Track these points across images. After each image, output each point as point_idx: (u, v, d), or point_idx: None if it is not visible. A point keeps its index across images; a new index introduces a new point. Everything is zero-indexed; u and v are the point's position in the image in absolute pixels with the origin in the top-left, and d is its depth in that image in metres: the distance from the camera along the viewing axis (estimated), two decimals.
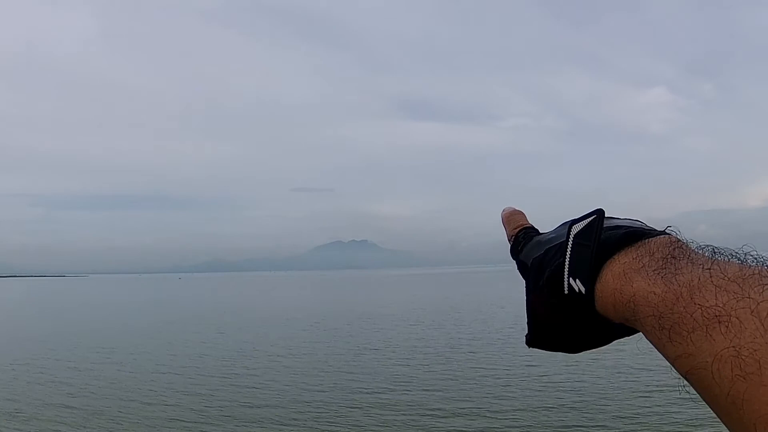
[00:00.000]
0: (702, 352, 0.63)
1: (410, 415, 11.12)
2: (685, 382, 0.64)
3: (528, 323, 0.69)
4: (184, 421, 11.49)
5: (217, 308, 45.79)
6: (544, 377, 13.29)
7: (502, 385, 12.96)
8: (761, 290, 0.62)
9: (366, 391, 13.37)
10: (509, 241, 0.74)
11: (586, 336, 0.68)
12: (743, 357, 0.62)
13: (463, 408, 11.43)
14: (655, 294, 0.64)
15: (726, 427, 0.63)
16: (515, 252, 0.72)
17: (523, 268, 0.70)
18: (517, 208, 0.76)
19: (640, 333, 0.67)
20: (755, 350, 0.62)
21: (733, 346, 0.62)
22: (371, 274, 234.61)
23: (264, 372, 16.34)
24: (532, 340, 0.69)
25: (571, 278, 0.67)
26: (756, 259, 0.65)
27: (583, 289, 0.67)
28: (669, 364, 0.65)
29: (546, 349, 0.69)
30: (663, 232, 0.67)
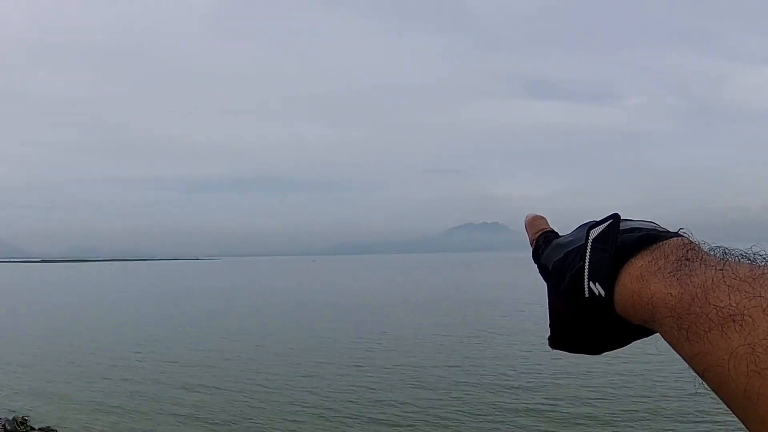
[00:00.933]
0: (718, 350, 0.69)
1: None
2: (701, 380, 0.70)
3: (550, 325, 0.76)
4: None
5: (369, 292, 48.01)
6: None
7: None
8: None
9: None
10: (531, 245, 0.81)
11: (606, 337, 0.75)
12: (758, 354, 0.68)
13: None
14: (672, 295, 0.71)
15: (742, 422, 0.68)
16: (536, 255, 0.79)
17: (543, 271, 0.77)
18: (539, 214, 0.84)
19: (657, 333, 0.75)
20: None
21: (748, 344, 0.68)
22: (505, 256, 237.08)
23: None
24: (555, 342, 0.76)
25: (591, 282, 0.74)
26: (765, 258, 0.71)
27: (603, 293, 0.73)
28: (686, 364, 0.71)
29: (568, 351, 0.76)
30: (676, 234, 0.73)
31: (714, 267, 0.71)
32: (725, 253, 0.72)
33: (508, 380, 14.49)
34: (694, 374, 0.71)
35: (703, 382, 0.71)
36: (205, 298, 46.28)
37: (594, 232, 0.74)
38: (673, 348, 0.72)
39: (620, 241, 0.74)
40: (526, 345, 18.46)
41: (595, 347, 0.75)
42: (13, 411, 13.47)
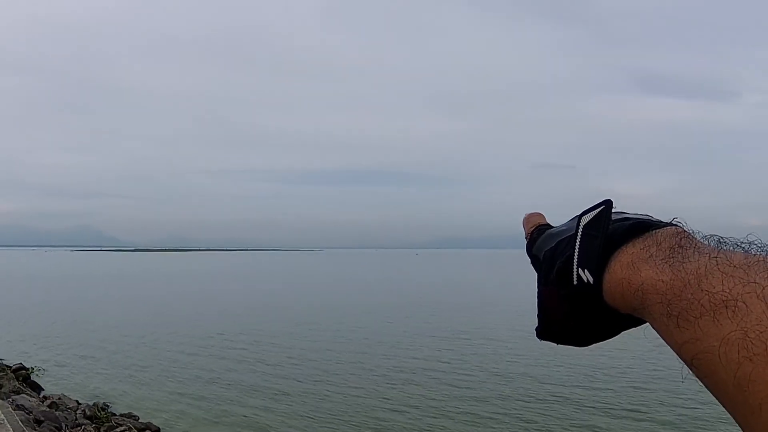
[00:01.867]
0: (709, 336, 0.70)
1: None
2: (689, 369, 0.72)
3: (538, 316, 0.78)
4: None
5: (474, 287, 50.85)
6: None
7: None
8: (766, 275, 0.70)
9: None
10: (526, 239, 0.85)
11: (594, 328, 0.76)
12: (750, 339, 0.69)
13: None
14: (663, 282, 0.73)
15: (730, 412, 0.69)
16: (529, 248, 0.84)
17: (535, 262, 0.81)
18: (537, 211, 0.88)
19: (646, 324, 0.76)
20: (762, 332, 0.69)
21: (741, 329, 0.70)
22: None
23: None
24: (542, 333, 0.78)
25: (579, 269, 0.76)
26: (759, 247, 0.72)
27: (591, 280, 0.75)
28: (674, 353, 0.73)
29: (555, 342, 0.78)
30: (670, 224, 0.75)
31: (708, 254, 0.73)
32: (720, 242, 0.74)
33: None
34: (682, 363, 0.74)
35: (691, 371, 0.73)
36: (302, 288, 49.84)
37: (585, 219, 0.76)
38: (662, 336, 0.74)
39: (612, 229, 0.76)
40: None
41: (582, 338, 0.77)
42: (95, 397, 14.77)
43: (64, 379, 17.20)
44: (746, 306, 0.71)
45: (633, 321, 0.76)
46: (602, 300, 0.76)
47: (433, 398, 14.22)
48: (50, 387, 16.17)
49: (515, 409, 13.28)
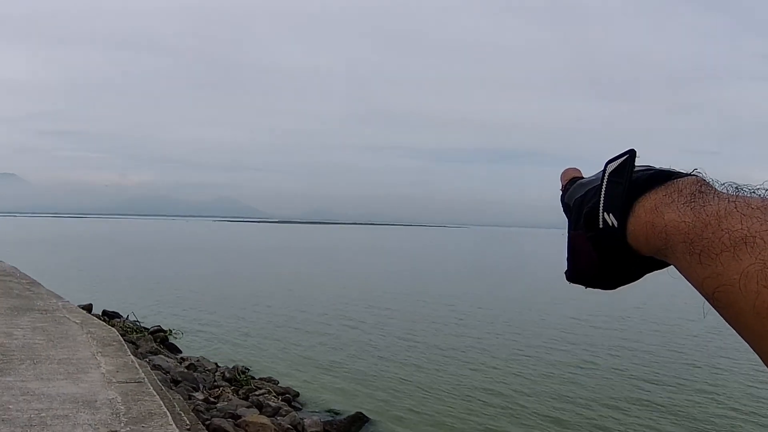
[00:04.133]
0: (730, 270, 0.86)
1: None
2: (710, 304, 0.87)
3: (567, 259, 1.00)
4: None
5: None
6: None
7: None
8: None
9: None
10: (560, 191, 1.08)
11: (619, 270, 0.94)
12: None
13: None
14: (685, 223, 0.89)
15: (748, 342, 0.84)
16: (562, 197, 1.06)
17: (566, 209, 1.03)
18: (574, 167, 1.10)
19: (667, 268, 0.92)
20: None
21: (759, 261, 0.85)
22: None
23: None
24: (571, 276, 1.00)
25: (605, 213, 0.93)
26: None
27: (615, 223, 0.92)
28: (696, 290, 0.88)
29: (584, 285, 1.00)
30: (690, 174, 0.92)
31: (727, 199, 0.89)
32: (737, 188, 0.89)
33: None
34: (703, 299, 0.87)
35: (712, 305, 0.87)
36: (446, 263, 56.38)
37: (611, 166, 0.95)
38: (684, 275, 0.88)
39: (635, 177, 0.93)
40: None
41: (609, 281, 0.96)
42: (234, 361, 16.86)
43: (203, 343, 19.87)
44: (764, 242, 0.85)
45: (655, 264, 0.91)
46: (626, 243, 0.91)
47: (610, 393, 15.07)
48: (188, 350, 18.37)
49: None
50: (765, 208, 0.87)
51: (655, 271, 0.94)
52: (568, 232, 0.99)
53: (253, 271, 46.07)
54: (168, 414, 6.26)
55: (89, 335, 9.97)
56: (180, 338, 20.13)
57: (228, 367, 15.76)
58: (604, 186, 0.94)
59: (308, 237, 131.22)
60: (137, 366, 8.37)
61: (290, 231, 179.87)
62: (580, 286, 1.00)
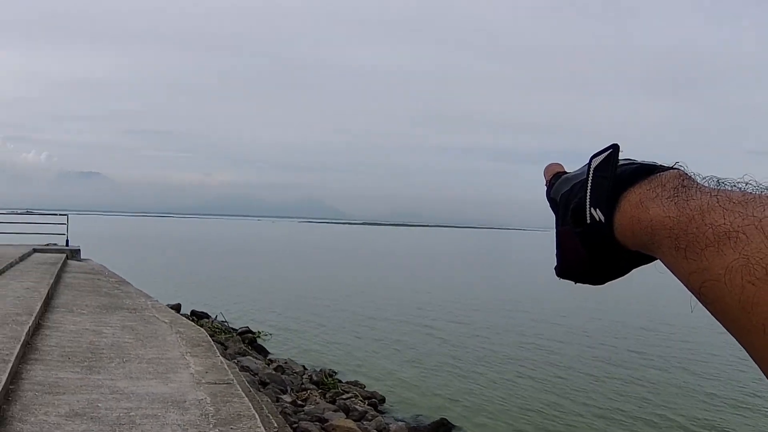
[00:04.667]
0: (715, 266, 0.88)
1: None
2: (697, 298, 0.89)
3: (557, 255, 1.04)
4: None
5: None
6: None
7: None
8: (763, 209, 0.88)
9: None
10: (545, 186, 1.13)
11: (607, 265, 0.99)
12: (752, 265, 0.87)
13: None
14: (670, 218, 0.90)
15: (735, 335, 0.87)
16: (548, 192, 1.11)
17: (553, 205, 1.08)
18: (557, 162, 1.17)
19: (653, 263, 0.96)
20: (762, 258, 0.87)
21: (743, 257, 0.88)
22: None
23: None
24: (560, 271, 1.05)
25: (592, 208, 0.98)
26: (755, 186, 0.90)
27: (602, 218, 0.96)
28: (682, 284, 0.90)
29: (573, 280, 1.04)
30: (672, 167, 0.96)
31: (709, 193, 0.90)
32: (719, 182, 0.91)
33: None
34: (690, 294, 0.90)
35: (699, 300, 0.89)
36: (535, 269, 54.11)
37: (595, 161, 0.99)
38: (671, 269, 0.90)
39: (619, 171, 0.97)
40: None
41: (597, 276, 1.01)
42: (322, 363, 17.60)
43: (291, 345, 20.87)
44: (746, 236, 0.88)
45: (642, 259, 0.96)
46: (614, 238, 0.95)
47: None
48: (276, 352, 19.03)
49: None
50: (746, 202, 0.90)
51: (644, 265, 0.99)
52: (556, 228, 1.05)
53: (341, 273, 47.40)
54: (256, 416, 6.36)
55: (178, 335, 10.26)
56: (268, 340, 20.87)
57: (316, 370, 16.41)
58: (590, 181, 0.99)
59: (392, 239, 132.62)
60: (226, 367, 8.50)
61: (374, 232, 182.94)
62: (570, 281, 1.04)
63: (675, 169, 0.96)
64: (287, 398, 13.26)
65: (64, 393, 6.95)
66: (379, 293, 34.59)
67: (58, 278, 15.92)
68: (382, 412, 14.04)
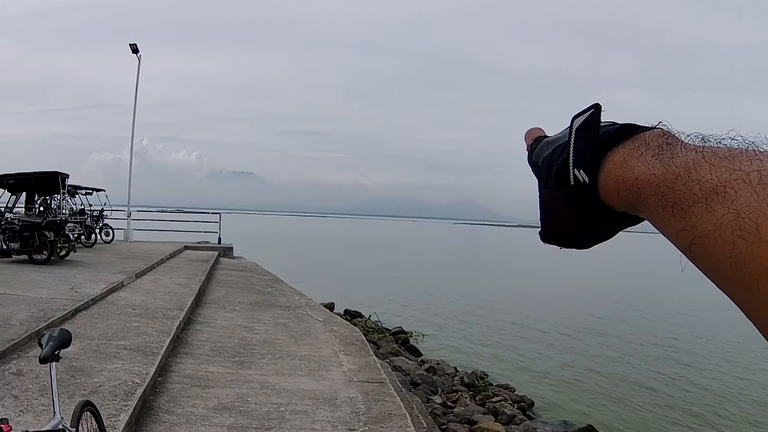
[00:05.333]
0: (703, 222, 0.86)
1: None
2: (686, 256, 0.88)
3: (540, 219, 1.06)
4: None
5: None
6: None
7: None
8: (750, 164, 0.86)
9: None
10: (527, 151, 1.15)
11: (592, 227, 1.00)
12: (742, 219, 0.83)
13: None
14: (655, 176, 0.91)
15: (727, 292, 0.84)
16: (529, 157, 1.13)
17: (535, 169, 1.09)
18: (537, 126, 1.18)
19: (640, 224, 0.98)
20: (751, 213, 0.83)
21: (732, 212, 0.84)
22: None
23: None
24: (545, 236, 1.06)
25: (575, 169, 0.98)
26: (741, 141, 0.90)
27: (587, 179, 0.97)
28: (671, 243, 0.90)
29: (559, 245, 1.05)
30: (655, 127, 0.97)
31: (695, 150, 0.90)
32: (704, 139, 0.92)
33: None
34: (680, 253, 0.89)
35: (688, 257, 0.88)
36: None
37: (577, 122, 1.01)
38: (658, 228, 0.91)
39: (602, 132, 0.98)
40: None
41: (582, 239, 1.02)
42: (473, 366, 18.14)
43: (443, 346, 21.04)
44: (735, 191, 0.85)
45: (628, 220, 0.98)
46: (598, 198, 0.96)
47: None
48: (428, 352, 19.37)
49: None
50: (732, 157, 0.88)
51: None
52: (539, 192, 1.06)
53: (495, 275, 47.91)
54: (407, 416, 6.41)
55: (332, 333, 10.38)
56: (421, 341, 21.21)
57: (467, 372, 16.83)
58: (572, 142, 1.00)
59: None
60: (379, 366, 8.57)
61: (529, 234, 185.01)
62: (555, 246, 1.06)
63: (658, 128, 0.97)
64: (437, 399, 13.65)
65: (213, 387, 7.09)
66: (534, 296, 34.65)
67: (210, 275, 16.63)
68: (530, 417, 14.34)
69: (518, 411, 13.96)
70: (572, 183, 0.99)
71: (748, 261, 0.83)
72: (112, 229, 25.53)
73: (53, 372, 3.25)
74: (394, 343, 19.12)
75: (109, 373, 6.74)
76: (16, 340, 7.52)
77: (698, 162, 0.90)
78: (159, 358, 7.57)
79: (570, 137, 1.01)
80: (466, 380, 16.06)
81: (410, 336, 21.46)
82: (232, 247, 24.74)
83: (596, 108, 1.01)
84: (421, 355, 19.06)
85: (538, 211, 1.07)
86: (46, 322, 8.51)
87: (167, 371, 7.58)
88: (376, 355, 9.82)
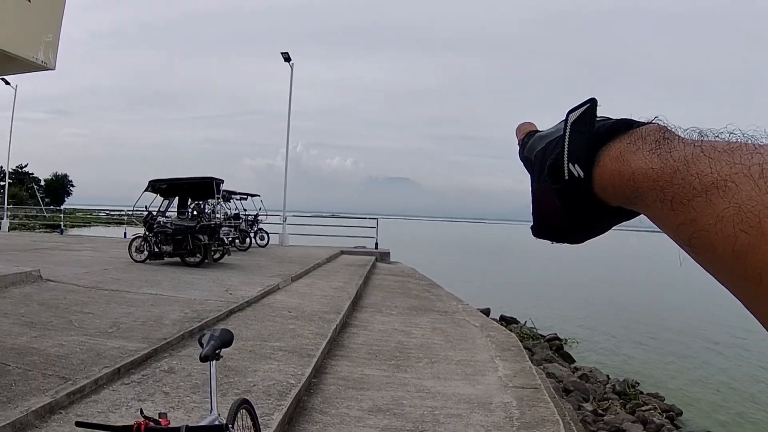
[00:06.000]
0: (704, 216, 0.83)
1: None
2: (686, 252, 0.86)
3: (533, 214, 1.04)
4: None
5: None
6: None
7: None
8: (750, 157, 0.84)
9: None
10: (518, 146, 1.15)
11: (585, 223, 0.99)
12: (744, 213, 0.80)
13: None
14: (653, 170, 0.88)
15: (728, 286, 0.82)
16: (521, 151, 1.13)
17: (527, 164, 1.09)
18: (529, 121, 1.19)
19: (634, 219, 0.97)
20: (754, 206, 0.80)
21: (733, 206, 0.81)
22: None
23: None
24: (537, 231, 1.05)
25: (570, 164, 0.96)
26: (740, 135, 0.88)
27: (581, 173, 0.95)
28: (670, 238, 0.88)
29: (551, 240, 1.04)
30: (651, 122, 0.95)
31: (693, 144, 0.88)
32: (701, 133, 0.90)
33: None
34: (679, 248, 0.88)
35: (688, 252, 0.86)
36: None
37: (572, 116, 0.99)
38: (656, 223, 0.89)
39: (597, 126, 0.96)
40: None
41: (576, 235, 1.01)
42: (624, 374, 18.16)
43: (597, 354, 21.17)
44: (736, 185, 0.83)
45: (622, 215, 0.96)
46: (593, 193, 0.94)
47: None
48: (581, 359, 19.70)
49: None
50: (732, 150, 0.86)
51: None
52: (531, 187, 1.05)
53: (655, 282, 47.08)
54: (560, 422, 6.42)
55: (488, 339, 10.38)
56: (575, 347, 21.54)
57: (618, 380, 17.04)
58: (567, 136, 0.99)
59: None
60: (534, 372, 8.57)
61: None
62: (547, 241, 1.05)
63: (654, 123, 0.95)
64: (588, 407, 13.88)
65: (368, 389, 7.21)
66: (690, 304, 33.78)
67: (366, 279, 16.95)
68: (678, 426, 14.46)
69: (666, 420, 14.15)
70: (566, 177, 0.97)
71: (750, 254, 0.81)
72: (267, 234, 26.62)
73: (213, 370, 3.37)
74: (548, 350, 19.48)
75: (263, 374, 7.01)
76: (168, 339, 7.99)
77: (697, 156, 0.88)
78: (315, 359, 7.78)
79: (565, 131, 1.00)
80: (617, 388, 16.39)
81: (564, 343, 21.80)
82: (389, 252, 25.15)
83: (592, 102, 0.99)
84: (575, 362, 19.32)
85: (531, 206, 1.05)
86: (200, 323, 8.99)
87: (322, 373, 7.78)
88: (531, 362, 9.72)
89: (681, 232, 0.86)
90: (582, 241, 1.04)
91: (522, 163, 1.13)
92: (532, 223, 1.06)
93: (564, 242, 1.04)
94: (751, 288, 0.80)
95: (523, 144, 1.14)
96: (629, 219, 0.98)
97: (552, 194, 1.00)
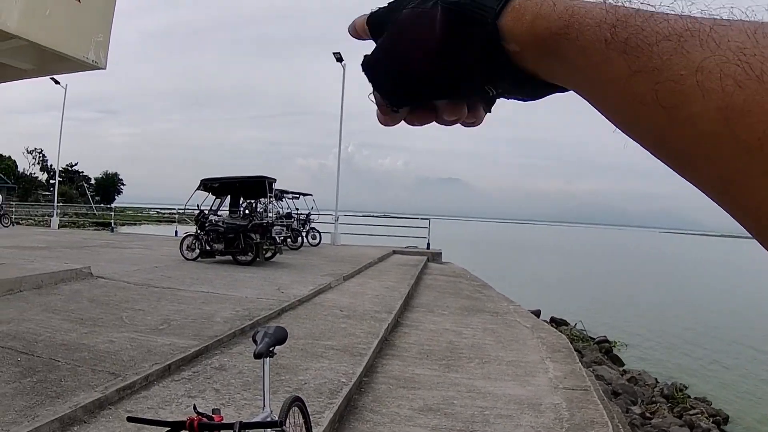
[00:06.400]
0: (672, 64, 0.69)
1: None
2: (617, 130, 0.73)
3: (380, 47, 0.82)
4: None
5: None
6: None
7: None
8: (739, 23, 0.70)
9: None
10: (367, 34, 0.87)
11: (464, 70, 0.77)
12: (735, 64, 0.67)
13: None
14: (601, 8, 0.73)
15: (699, 157, 0.67)
16: (374, 36, 0.86)
17: (377, 30, 0.84)
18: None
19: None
20: (752, 56, 0.66)
21: (719, 55, 0.68)
22: None
23: None
24: (369, 64, 0.82)
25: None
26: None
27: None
28: (602, 98, 0.73)
29: (389, 95, 0.81)
30: None
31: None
32: None
33: None
34: (604, 118, 0.73)
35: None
36: None
37: None
38: (583, 75, 0.73)
39: None
40: None
41: (442, 84, 0.79)
42: (673, 377, 18.15)
43: (645, 357, 21.15)
44: (723, 33, 0.68)
45: (518, 74, 0.76)
46: (495, 25, 0.75)
47: None
48: (630, 362, 19.77)
49: None
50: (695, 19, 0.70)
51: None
52: (396, 15, 0.82)
53: (703, 286, 46.79)
54: (609, 424, 6.46)
55: (539, 340, 10.43)
56: (624, 350, 21.61)
57: (667, 384, 17.05)
58: None
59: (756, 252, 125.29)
60: (584, 374, 8.62)
61: (732, 245, 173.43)
62: (385, 101, 0.82)
63: None
64: (636, 410, 13.94)
65: (419, 388, 7.33)
66: (743, 310, 33.40)
67: (418, 279, 17.07)
68: None
69: (713, 425, 14.21)
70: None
71: (747, 115, 0.67)
72: (319, 233, 26.90)
73: (266, 367, 3.42)
74: (597, 352, 19.63)
75: (314, 372, 7.17)
76: (219, 337, 8.20)
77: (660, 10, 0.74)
78: (366, 358, 7.93)
79: None
80: (665, 392, 16.42)
81: (614, 345, 21.92)
82: (440, 253, 25.22)
83: None
84: (624, 365, 19.39)
85: (381, 42, 0.82)
86: (251, 321, 9.19)
87: (374, 372, 7.92)
88: (581, 363, 9.76)
89: (637, 82, 0.71)
90: (447, 97, 0.82)
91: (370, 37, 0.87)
92: (366, 57, 0.84)
93: (410, 103, 0.82)
94: (743, 159, 0.66)
95: (373, 22, 0.87)
96: (529, 92, 0.80)
97: (432, 18, 0.78)
